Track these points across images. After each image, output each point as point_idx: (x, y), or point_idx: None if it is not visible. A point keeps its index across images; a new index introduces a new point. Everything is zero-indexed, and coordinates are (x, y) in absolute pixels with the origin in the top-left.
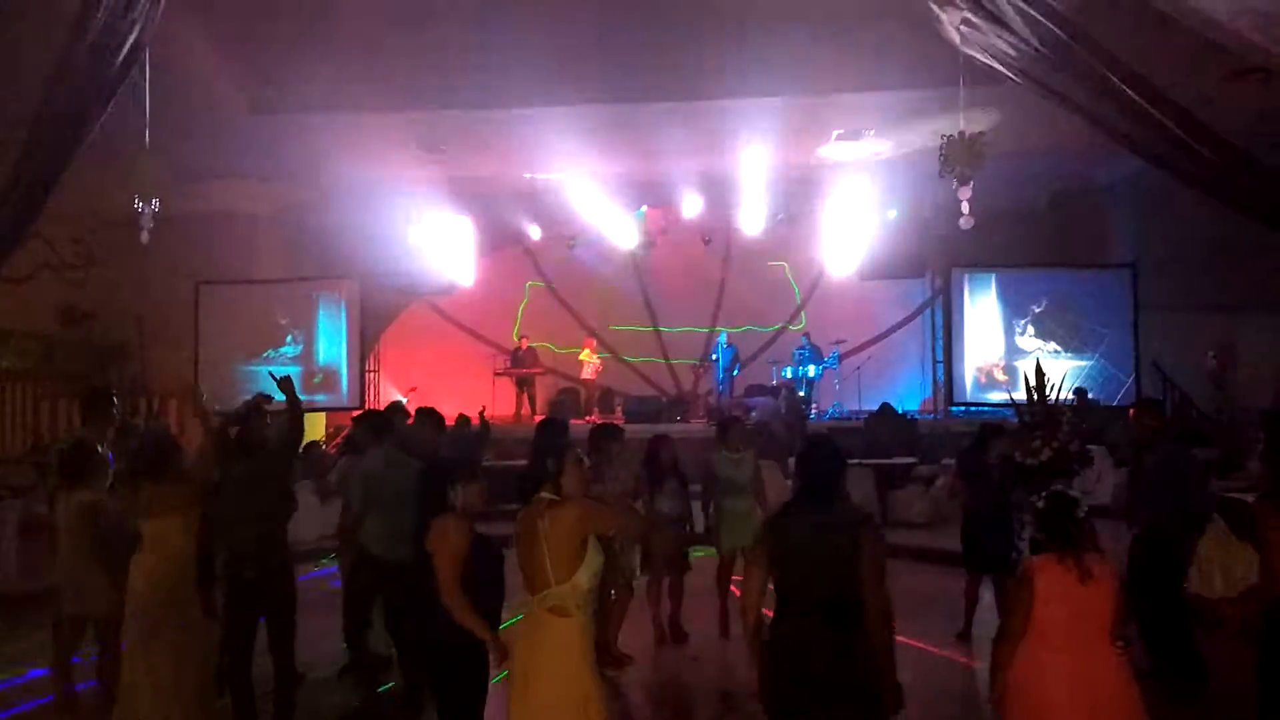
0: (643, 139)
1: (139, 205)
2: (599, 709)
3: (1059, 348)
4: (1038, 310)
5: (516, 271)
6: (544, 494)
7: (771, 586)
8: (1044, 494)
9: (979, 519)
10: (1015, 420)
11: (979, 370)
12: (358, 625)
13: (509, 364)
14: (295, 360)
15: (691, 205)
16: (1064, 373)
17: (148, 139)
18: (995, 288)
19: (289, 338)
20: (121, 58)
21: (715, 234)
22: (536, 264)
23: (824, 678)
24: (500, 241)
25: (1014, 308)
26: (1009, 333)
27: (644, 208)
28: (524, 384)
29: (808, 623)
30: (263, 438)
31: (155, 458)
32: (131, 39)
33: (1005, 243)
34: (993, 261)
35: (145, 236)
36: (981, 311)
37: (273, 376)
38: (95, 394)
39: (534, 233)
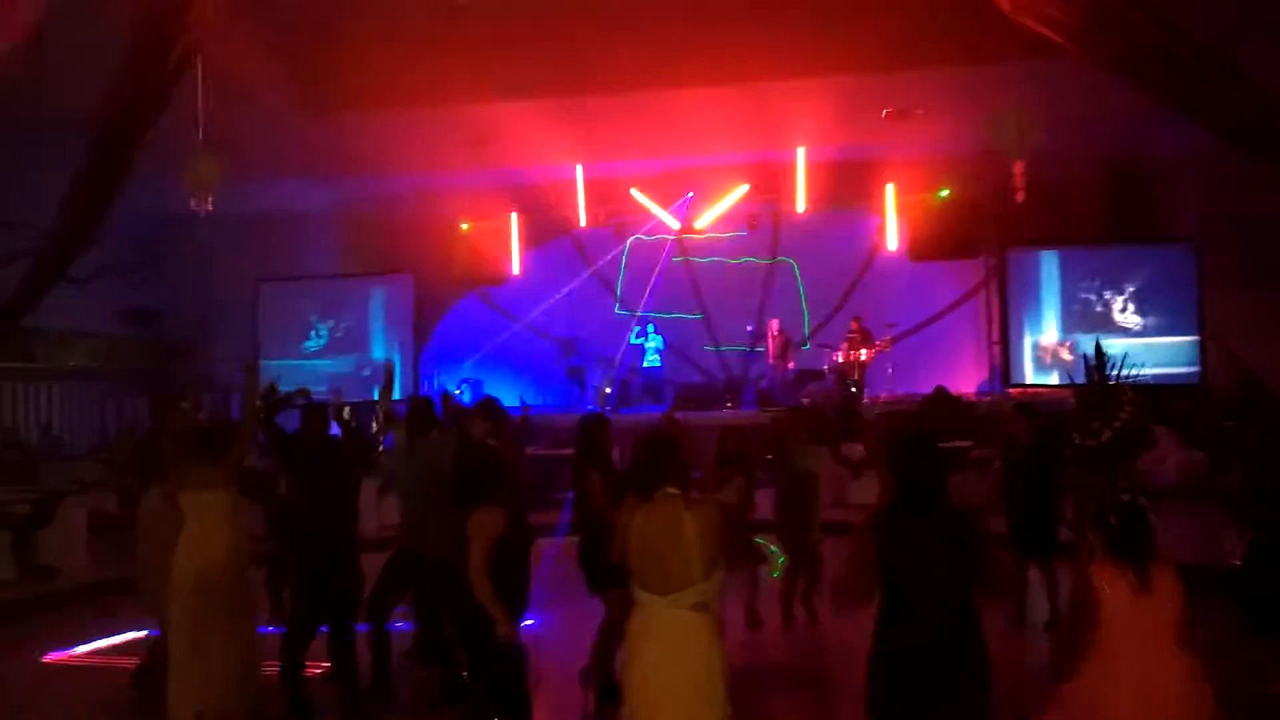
0: (690, 125)
1: (195, 203)
2: (726, 697)
3: (1120, 325)
4: (1098, 288)
5: (565, 261)
6: (670, 490)
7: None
8: (1114, 506)
9: (1016, 501)
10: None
11: (1036, 350)
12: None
13: (560, 354)
14: (350, 354)
15: (739, 190)
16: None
17: (200, 136)
18: (1052, 266)
19: (344, 332)
20: (177, 60)
21: (763, 218)
22: (585, 253)
23: (946, 680)
24: (549, 232)
25: (1072, 286)
26: (1067, 312)
27: (691, 194)
28: (574, 373)
29: (928, 626)
30: (326, 437)
31: (201, 440)
32: (186, 42)
33: (1063, 220)
34: (1050, 239)
35: (202, 234)
36: (1038, 290)
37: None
38: (164, 398)
39: (582, 222)
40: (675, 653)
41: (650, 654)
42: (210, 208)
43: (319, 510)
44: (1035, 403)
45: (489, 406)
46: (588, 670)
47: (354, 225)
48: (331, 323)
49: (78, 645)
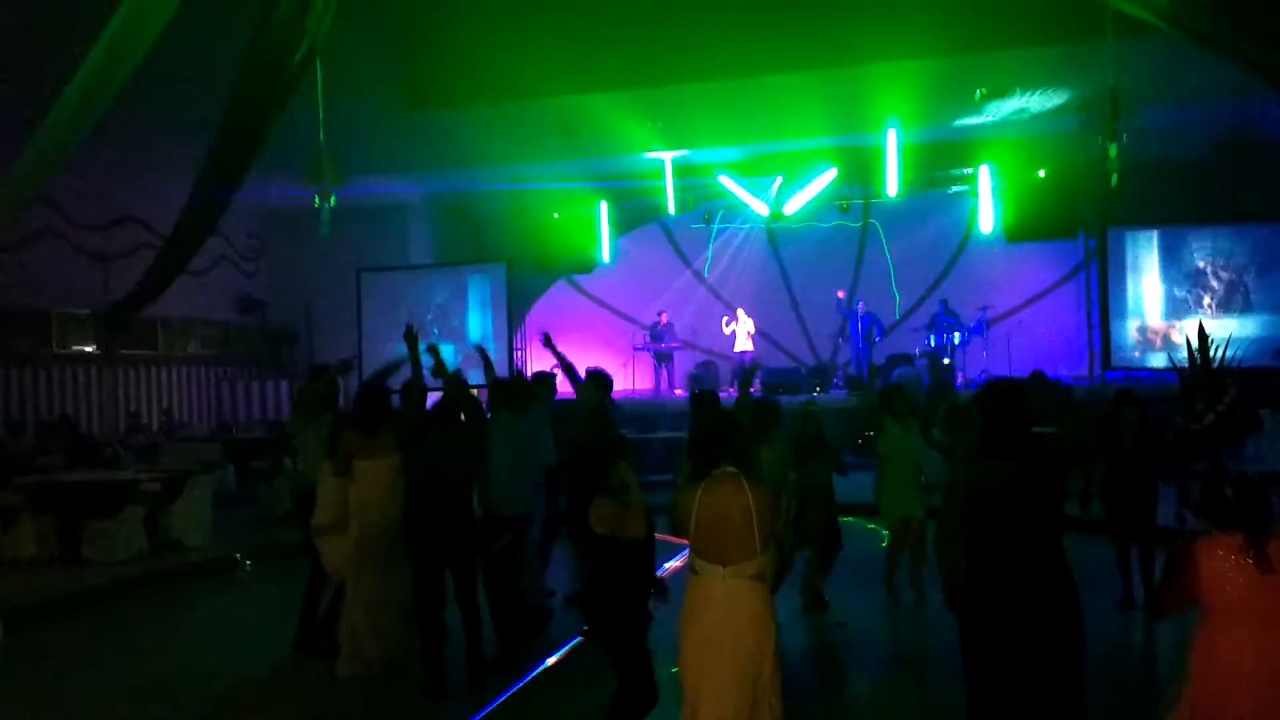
0: (779, 110)
1: (318, 202)
2: (777, 665)
3: (1227, 307)
4: (1203, 268)
5: (654, 248)
6: (729, 469)
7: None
8: (1230, 478)
9: (1115, 486)
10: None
11: (1138, 333)
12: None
13: (648, 339)
14: (448, 339)
15: (829, 173)
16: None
17: (322, 138)
18: (1156, 245)
19: (442, 318)
20: (297, 61)
21: (853, 202)
22: (673, 240)
23: (1041, 612)
24: (638, 219)
25: (1177, 266)
26: (1171, 293)
27: (779, 177)
28: (662, 358)
29: (1022, 563)
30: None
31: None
32: (306, 44)
33: (1167, 197)
34: (1153, 218)
35: (325, 229)
36: (1141, 271)
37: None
38: (303, 393)
39: (670, 209)
40: (732, 620)
41: (708, 621)
42: (330, 203)
43: (445, 468)
44: (1136, 388)
45: (599, 375)
46: None
47: (448, 216)
48: (428, 310)
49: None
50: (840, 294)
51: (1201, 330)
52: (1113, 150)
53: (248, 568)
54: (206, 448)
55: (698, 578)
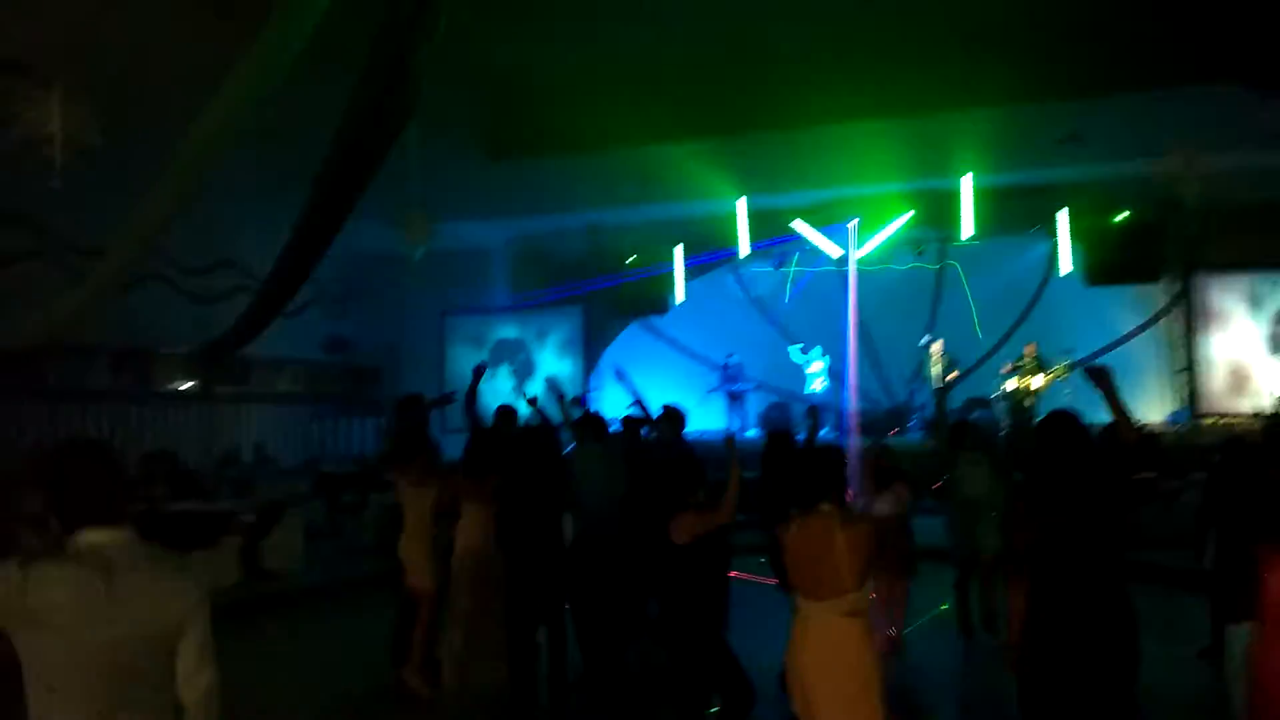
0: (852, 156)
1: (411, 247)
2: (880, 697)
3: None
4: None
5: (727, 290)
6: (825, 507)
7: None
8: None
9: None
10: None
11: (1228, 377)
12: None
13: (721, 380)
14: (527, 379)
15: (905, 216)
16: None
17: (421, 195)
18: (1244, 289)
19: (523, 359)
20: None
21: (929, 244)
22: (745, 283)
23: (1089, 643)
24: (711, 262)
25: (1264, 311)
26: (1260, 338)
27: (855, 220)
28: (735, 398)
29: (1072, 589)
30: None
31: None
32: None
33: (1250, 242)
34: (1240, 261)
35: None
36: (1229, 315)
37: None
38: (404, 401)
39: (744, 252)
40: (828, 655)
41: (807, 655)
42: (424, 251)
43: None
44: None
45: (673, 412)
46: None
47: (528, 260)
48: (511, 350)
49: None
50: (922, 340)
51: None
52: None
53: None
54: (297, 482)
55: (799, 614)
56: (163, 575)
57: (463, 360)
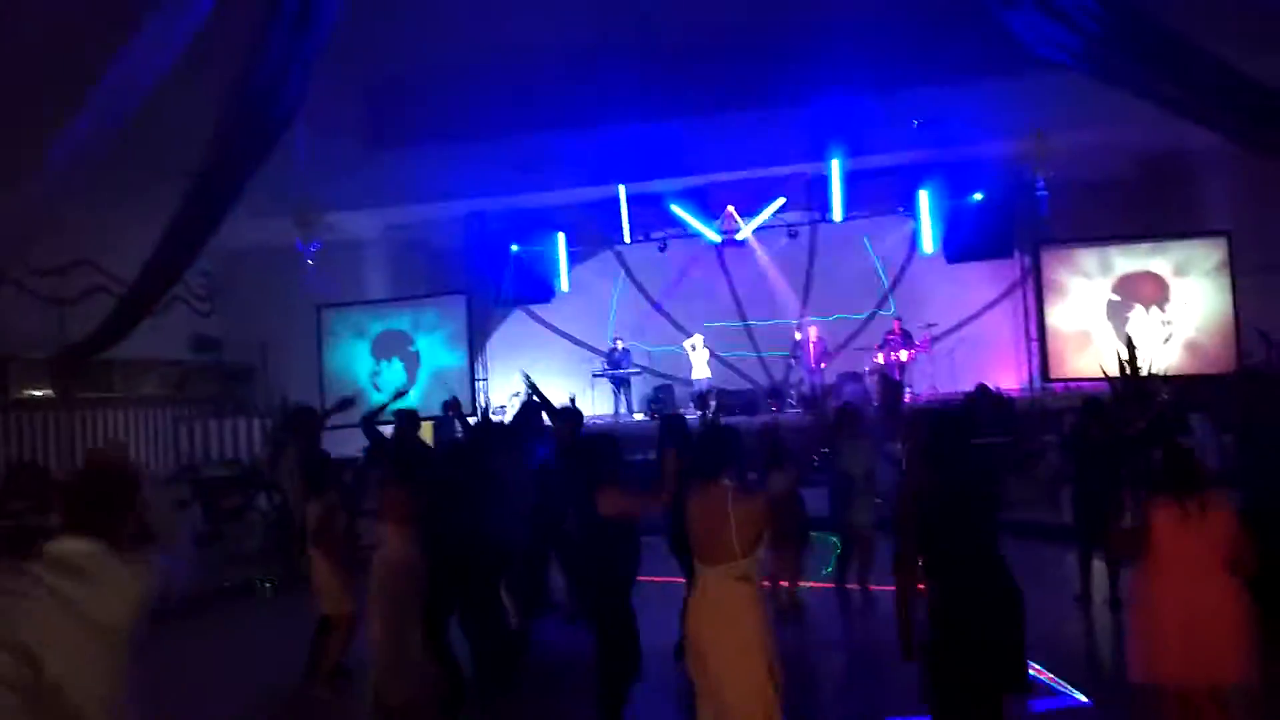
0: (729, 144)
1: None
2: (773, 653)
3: (1157, 319)
4: (1130, 282)
5: (609, 276)
6: (722, 482)
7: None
8: (1166, 447)
9: (1086, 492)
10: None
11: (1074, 346)
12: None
13: (606, 365)
14: (410, 372)
15: (777, 201)
16: (1164, 342)
17: (303, 183)
18: (1085, 262)
19: (404, 352)
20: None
21: (801, 227)
22: (628, 267)
23: (985, 627)
24: (593, 248)
25: (1106, 281)
26: (1102, 306)
27: (731, 206)
28: (621, 384)
29: (963, 576)
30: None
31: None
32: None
33: (1096, 216)
34: (1083, 236)
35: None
36: (1073, 287)
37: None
38: (298, 411)
39: (626, 238)
40: (721, 616)
41: (703, 617)
42: (314, 245)
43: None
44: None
45: (573, 410)
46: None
47: (408, 249)
48: (391, 343)
49: None
50: (797, 319)
51: (1130, 342)
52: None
53: (268, 589)
54: (172, 488)
55: (697, 578)
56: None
57: (342, 355)
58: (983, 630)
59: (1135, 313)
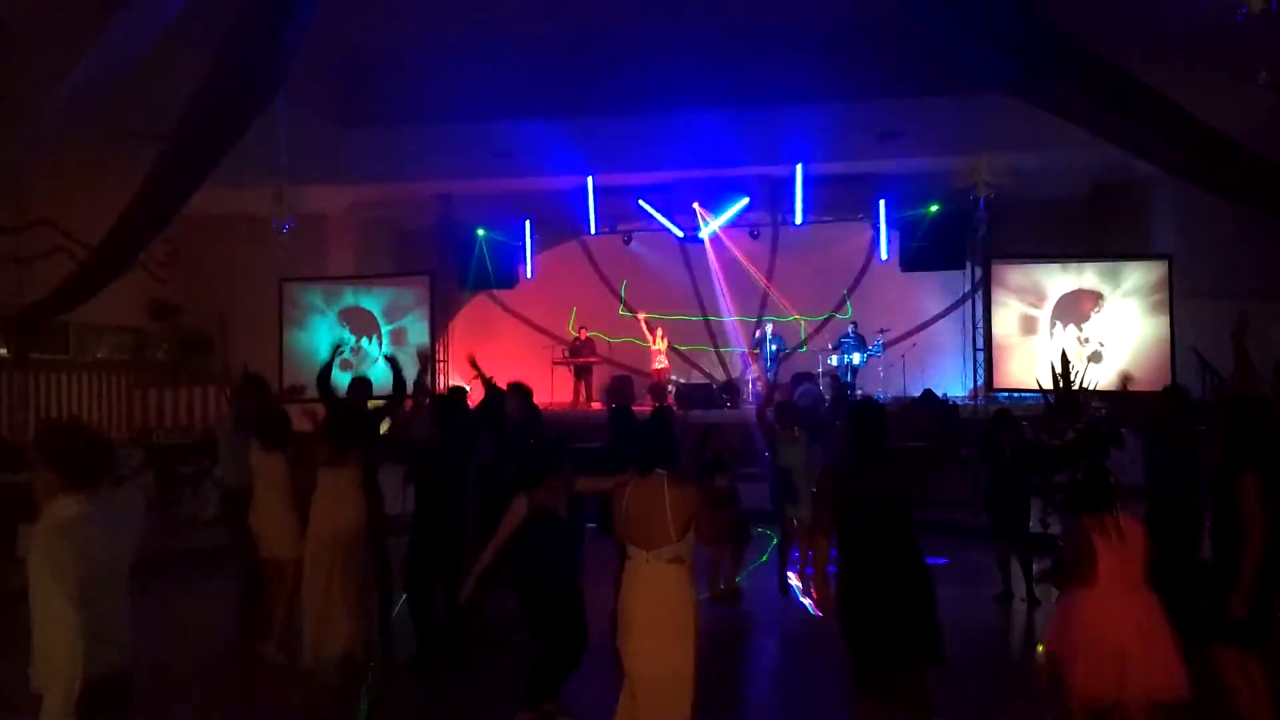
0: (698, 142)
1: (276, 222)
2: (697, 632)
3: (1095, 336)
4: (1073, 299)
5: (574, 265)
6: (659, 471)
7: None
8: (1082, 467)
9: (997, 496)
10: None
11: (1017, 358)
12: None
13: (567, 354)
14: (370, 350)
15: (743, 201)
16: (1099, 360)
17: (284, 164)
18: (1032, 278)
19: (366, 329)
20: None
21: (764, 228)
22: (593, 258)
23: (893, 590)
24: (559, 237)
25: (1050, 297)
26: (1046, 321)
27: (697, 203)
28: (581, 372)
29: (874, 547)
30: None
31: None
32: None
33: (1046, 234)
34: (1031, 252)
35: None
36: (1019, 301)
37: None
38: (251, 378)
39: (592, 229)
40: (654, 596)
41: (635, 596)
42: (290, 224)
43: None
44: (1015, 407)
45: (520, 387)
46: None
47: (373, 228)
48: (353, 320)
49: None
50: (756, 317)
51: (1064, 356)
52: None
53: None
54: (127, 453)
55: (629, 560)
56: None
57: (303, 329)
58: (888, 601)
59: (1074, 329)
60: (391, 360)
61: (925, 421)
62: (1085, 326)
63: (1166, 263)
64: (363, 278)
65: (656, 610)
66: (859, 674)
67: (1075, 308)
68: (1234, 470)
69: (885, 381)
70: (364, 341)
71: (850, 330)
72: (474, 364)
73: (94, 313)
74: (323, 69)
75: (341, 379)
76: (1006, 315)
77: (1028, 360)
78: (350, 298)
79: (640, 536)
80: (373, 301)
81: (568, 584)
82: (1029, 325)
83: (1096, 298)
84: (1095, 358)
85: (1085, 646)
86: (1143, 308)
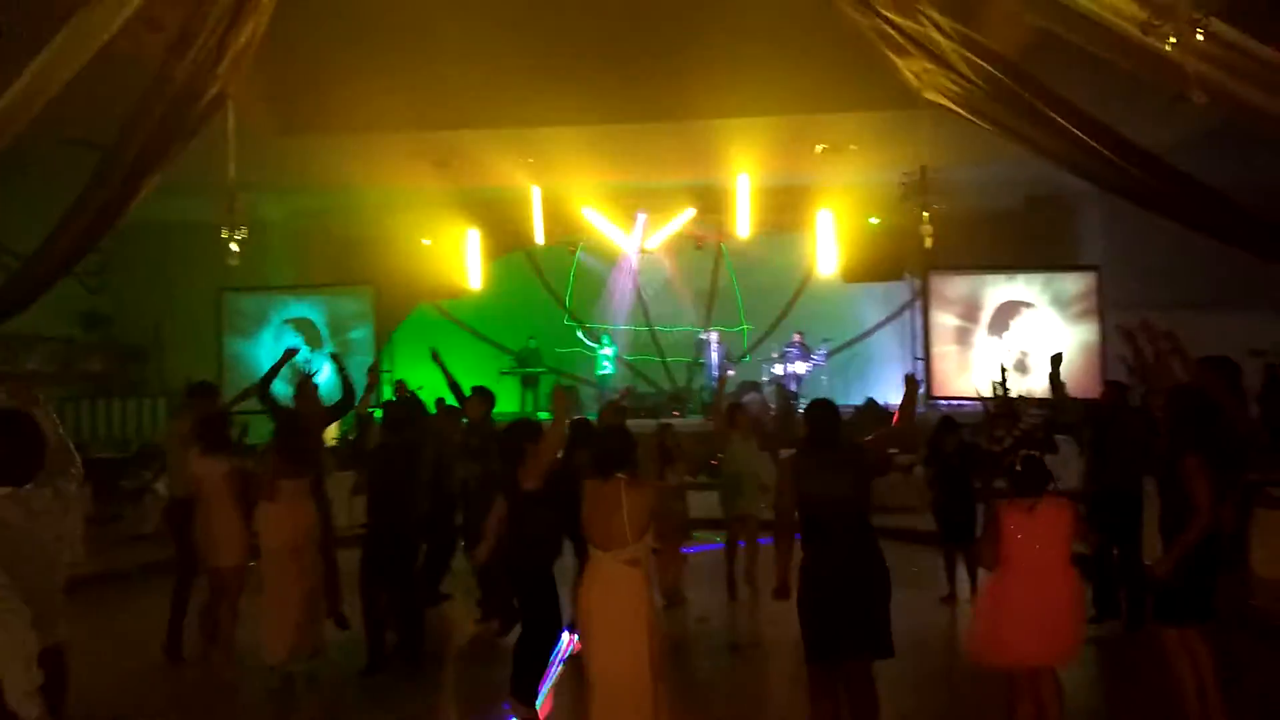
0: (642, 154)
1: (228, 236)
2: (659, 630)
3: (1030, 345)
4: (1008, 309)
5: (521, 276)
6: (620, 474)
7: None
8: (1020, 457)
9: (944, 499)
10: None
11: (956, 367)
12: None
13: (514, 364)
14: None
15: (687, 213)
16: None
17: (232, 172)
18: (970, 289)
19: (308, 340)
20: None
21: (708, 239)
22: (539, 268)
23: (849, 582)
24: (506, 246)
25: (988, 307)
26: (983, 331)
27: (642, 214)
28: (528, 382)
29: (832, 539)
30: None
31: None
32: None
33: (983, 246)
34: (969, 264)
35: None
36: (958, 311)
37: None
38: (200, 386)
39: (538, 239)
40: (610, 594)
41: (593, 594)
42: (241, 239)
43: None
44: (958, 413)
45: (485, 391)
46: None
47: (315, 236)
48: (292, 331)
49: None
50: (701, 327)
51: (1002, 366)
52: (925, 216)
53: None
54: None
55: (590, 560)
56: None
57: (242, 340)
58: (842, 594)
59: (1009, 338)
60: (335, 358)
61: (868, 428)
62: (1018, 336)
63: (1095, 274)
64: (305, 287)
65: (611, 611)
66: (810, 659)
67: (1010, 317)
68: (1180, 455)
69: (829, 390)
70: (308, 351)
71: (794, 340)
72: (436, 359)
73: (21, 323)
74: (260, 74)
75: (281, 389)
76: (946, 325)
77: (966, 369)
78: (294, 308)
79: (599, 537)
80: (315, 312)
81: (545, 564)
82: (966, 335)
83: (1029, 308)
84: (1021, 368)
85: (997, 616)
86: (1072, 316)
